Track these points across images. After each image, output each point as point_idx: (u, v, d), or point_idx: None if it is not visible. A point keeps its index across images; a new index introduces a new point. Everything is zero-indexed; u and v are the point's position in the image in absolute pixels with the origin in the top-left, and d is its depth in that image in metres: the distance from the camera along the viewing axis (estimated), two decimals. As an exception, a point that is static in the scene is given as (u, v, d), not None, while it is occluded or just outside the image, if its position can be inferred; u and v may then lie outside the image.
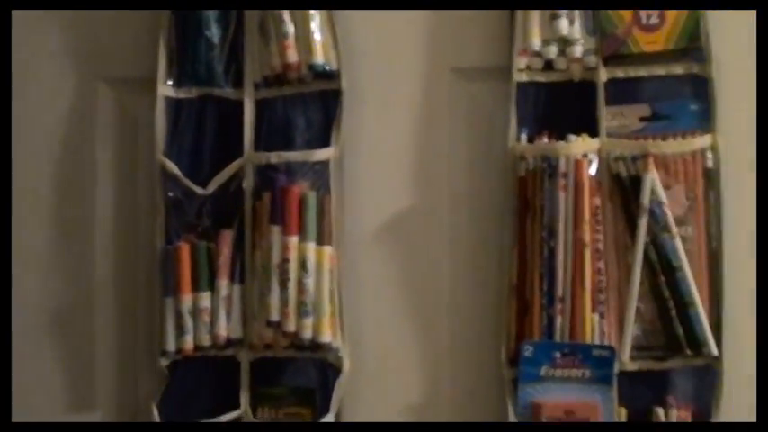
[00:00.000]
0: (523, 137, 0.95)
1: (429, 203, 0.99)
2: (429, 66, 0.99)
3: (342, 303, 0.97)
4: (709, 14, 0.93)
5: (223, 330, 0.98)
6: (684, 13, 0.93)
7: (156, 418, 0.98)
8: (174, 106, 1.00)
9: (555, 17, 0.93)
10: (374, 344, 0.99)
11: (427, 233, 0.99)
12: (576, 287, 0.92)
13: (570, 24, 0.93)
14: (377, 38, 1.00)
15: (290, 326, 0.95)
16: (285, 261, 0.95)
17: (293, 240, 0.95)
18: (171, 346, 0.98)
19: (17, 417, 1.00)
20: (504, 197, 0.96)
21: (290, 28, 0.96)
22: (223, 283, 0.98)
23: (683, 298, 0.92)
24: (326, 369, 0.98)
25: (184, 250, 0.98)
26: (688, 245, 0.93)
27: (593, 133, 0.94)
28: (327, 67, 0.97)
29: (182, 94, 1.01)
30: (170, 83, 1.00)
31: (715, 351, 0.92)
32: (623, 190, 0.93)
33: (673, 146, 0.93)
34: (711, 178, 0.93)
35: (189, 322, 0.98)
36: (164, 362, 0.99)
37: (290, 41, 0.96)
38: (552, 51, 0.94)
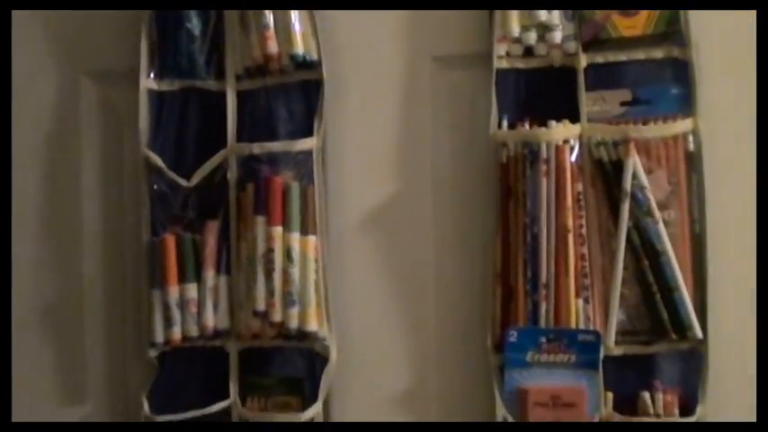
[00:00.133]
0: (505, 123, 0.93)
1: (413, 191, 0.97)
2: (410, 54, 0.97)
3: (327, 292, 0.95)
4: (689, -3, 0.92)
5: (210, 321, 0.96)
6: (664, -4, 0.91)
7: (146, 408, 0.97)
8: (157, 99, 0.99)
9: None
10: (361, 332, 0.97)
11: (412, 221, 0.97)
12: (559, 273, 0.90)
13: (549, 10, 0.92)
14: (358, 27, 0.98)
15: (277, 316, 0.93)
16: (270, 251, 0.93)
17: (277, 231, 0.94)
18: (159, 337, 0.97)
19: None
20: (488, 184, 0.94)
21: (270, 19, 0.94)
22: (209, 275, 0.96)
23: (668, 282, 0.90)
24: (314, 358, 0.96)
25: (170, 242, 0.97)
26: (671, 229, 0.90)
27: (575, 119, 0.92)
28: (308, 58, 0.95)
29: (164, 87, 0.99)
30: (152, 76, 0.98)
31: (700, 334, 0.90)
32: (605, 175, 0.91)
33: (654, 130, 0.90)
34: (693, 162, 0.91)
35: (176, 314, 0.96)
36: (152, 353, 0.98)
37: (271, 32, 0.94)
38: (531, 37, 0.92)
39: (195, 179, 0.97)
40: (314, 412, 0.95)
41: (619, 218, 0.90)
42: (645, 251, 0.91)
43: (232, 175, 0.97)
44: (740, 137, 0.92)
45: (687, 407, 0.91)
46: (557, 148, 0.90)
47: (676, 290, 0.90)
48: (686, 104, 0.92)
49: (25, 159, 1.03)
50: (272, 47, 0.95)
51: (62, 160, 1.03)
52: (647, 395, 0.91)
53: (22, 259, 1.03)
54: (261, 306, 0.94)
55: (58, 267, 1.03)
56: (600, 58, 0.93)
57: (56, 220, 1.03)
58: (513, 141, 0.92)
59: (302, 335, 0.94)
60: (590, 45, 0.92)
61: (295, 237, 0.94)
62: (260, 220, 0.94)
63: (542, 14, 0.91)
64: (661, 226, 0.90)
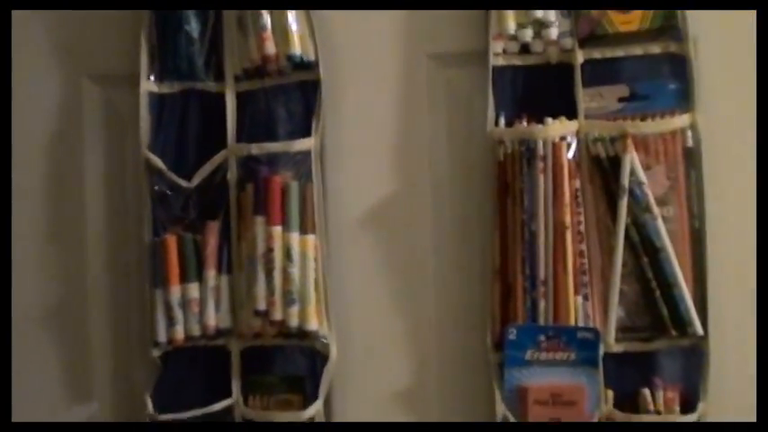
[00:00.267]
0: (502, 121, 0.91)
1: (412, 189, 0.95)
2: (407, 53, 0.95)
3: (327, 291, 0.93)
4: (686, -8, 0.90)
5: (212, 320, 0.95)
6: (660, -9, 0.89)
7: (150, 407, 0.96)
8: (158, 101, 0.98)
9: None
10: (361, 330, 0.96)
11: (411, 219, 0.95)
12: (558, 270, 0.88)
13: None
14: (354, 27, 0.96)
15: (277, 314, 0.92)
16: (270, 251, 0.92)
17: (277, 230, 0.92)
18: (162, 336, 0.95)
19: (15, 410, 0.98)
20: (486, 181, 0.92)
21: (267, 20, 0.93)
22: (211, 274, 0.95)
23: (667, 278, 0.88)
24: (314, 356, 0.94)
25: (171, 242, 0.95)
26: (670, 225, 0.88)
27: (572, 115, 0.90)
28: (305, 58, 0.93)
29: (164, 89, 0.98)
30: (152, 78, 0.97)
31: (700, 331, 0.88)
32: (603, 171, 0.89)
33: (651, 126, 0.88)
34: (692, 157, 0.89)
35: (179, 313, 0.95)
36: (155, 352, 0.96)
37: (268, 33, 0.93)
38: (528, 34, 0.90)
39: (196, 180, 0.96)
40: (315, 410, 0.93)
41: (617, 214, 0.89)
42: (644, 247, 0.88)
43: (232, 175, 0.95)
44: (739, 132, 0.90)
45: (688, 403, 0.89)
46: (553, 144, 0.88)
47: (676, 286, 0.88)
48: (684, 100, 0.89)
49: (29, 161, 1.02)
50: (270, 48, 0.93)
51: (65, 162, 1.02)
52: (647, 392, 0.89)
53: (27, 260, 1.01)
54: (261, 305, 0.92)
55: (63, 268, 1.01)
56: (597, 54, 0.90)
57: (60, 221, 1.02)
58: (510, 139, 0.89)
59: (302, 333, 0.93)
60: (586, 41, 0.90)
61: (294, 236, 0.92)
62: (259, 219, 0.93)
63: (538, 11, 0.89)
64: (660, 222, 0.88)
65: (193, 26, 0.96)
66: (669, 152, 0.89)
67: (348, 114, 0.96)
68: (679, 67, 0.90)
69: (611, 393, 0.90)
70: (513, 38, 0.91)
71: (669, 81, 0.90)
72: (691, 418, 0.88)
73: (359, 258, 0.96)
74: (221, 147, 0.96)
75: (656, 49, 0.90)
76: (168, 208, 0.97)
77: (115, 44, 1.00)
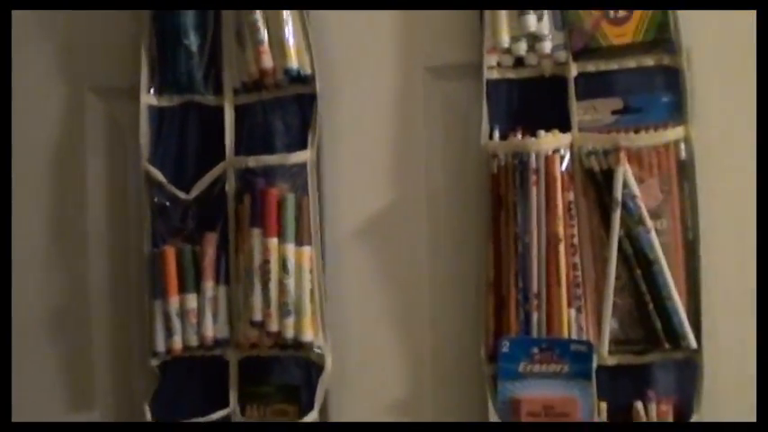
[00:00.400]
0: (496, 134, 0.90)
1: (408, 201, 0.95)
2: (403, 65, 0.95)
3: (323, 302, 0.93)
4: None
5: (210, 331, 0.95)
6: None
7: (149, 416, 0.96)
8: (157, 114, 0.98)
9: (523, 13, 0.88)
10: (357, 341, 0.95)
11: (406, 231, 0.95)
12: (551, 282, 0.87)
13: (538, 20, 0.88)
14: (351, 40, 0.96)
15: (273, 326, 0.92)
16: (266, 262, 0.92)
17: (273, 242, 0.92)
18: (161, 346, 0.95)
19: (17, 416, 0.98)
20: (481, 194, 0.91)
21: (265, 34, 0.93)
22: (209, 285, 0.95)
23: (660, 291, 0.86)
24: (310, 367, 0.94)
25: (170, 254, 0.95)
26: (664, 238, 0.87)
27: (566, 128, 0.89)
28: (302, 72, 0.93)
29: (164, 102, 0.98)
30: (152, 92, 0.97)
31: (694, 344, 0.86)
32: (596, 184, 0.88)
33: (644, 138, 0.87)
34: (685, 170, 0.87)
35: (177, 323, 0.95)
36: (154, 362, 0.96)
37: (265, 47, 0.93)
38: (522, 48, 0.89)
39: (194, 192, 0.96)
40: (310, 420, 0.92)
41: (610, 227, 0.87)
42: (637, 260, 0.87)
43: (230, 187, 0.95)
44: (734, 144, 0.88)
45: (682, 416, 0.87)
46: (546, 157, 0.87)
47: (669, 299, 0.86)
48: (678, 112, 0.88)
49: (33, 172, 1.03)
50: (267, 61, 0.93)
51: (68, 173, 1.02)
52: (640, 405, 0.88)
53: (31, 269, 1.02)
54: (258, 316, 0.92)
55: (65, 277, 1.02)
56: (591, 67, 0.89)
57: (64, 231, 1.03)
58: (504, 152, 0.88)
59: (298, 344, 0.92)
60: (580, 54, 0.89)
61: (290, 248, 0.92)
62: (256, 231, 0.92)
63: (532, 25, 0.88)
64: (653, 234, 0.87)
65: (192, 40, 0.96)
66: (663, 165, 0.88)
67: (345, 126, 0.96)
68: (672, 80, 0.88)
69: (604, 406, 0.88)
70: (508, 51, 0.90)
71: (663, 94, 0.89)
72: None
73: (355, 269, 0.96)
74: (220, 159, 0.96)
75: (649, 61, 0.89)
76: (167, 219, 0.97)
77: (117, 58, 1.01)
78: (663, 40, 0.88)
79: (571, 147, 0.89)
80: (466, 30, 0.93)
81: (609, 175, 0.88)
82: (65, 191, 1.03)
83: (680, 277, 0.87)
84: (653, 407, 0.87)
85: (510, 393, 0.89)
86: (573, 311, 0.88)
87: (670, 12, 0.87)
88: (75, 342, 1.02)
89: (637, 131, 0.88)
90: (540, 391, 0.89)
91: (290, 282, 0.92)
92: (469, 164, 0.93)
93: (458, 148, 0.94)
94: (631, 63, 0.89)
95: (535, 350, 0.88)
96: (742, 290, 0.88)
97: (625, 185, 0.87)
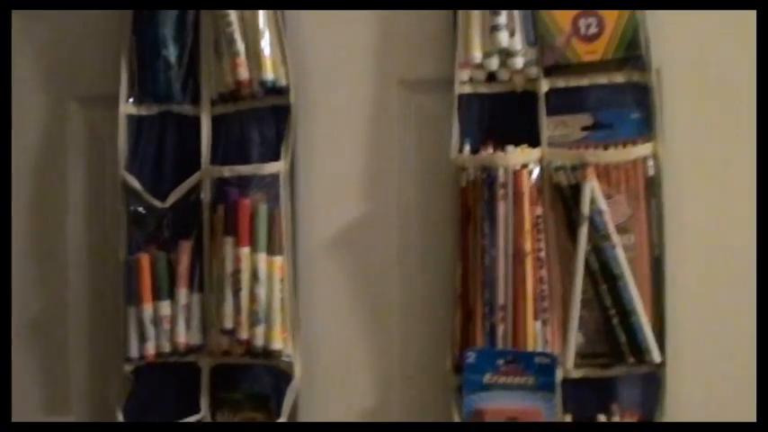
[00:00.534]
0: (467, 147, 0.90)
1: (380, 213, 0.95)
2: (378, 79, 0.95)
3: (293, 311, 0.93)
4: (649, 21, 0.87)
5: (182, 337, 0.95)
6: (623, 21, 0.88)
7: (122, 421, 0.97)
8: (136, 123, 0.98)
9: (495, 29, 0.88)
10: (328, 350, 0.95)
11: (379, 242, 0.95)
12: (517, 295, 0.87)
13: (510, 36, 0.88)
14: (327, 53, 0.96)
15: (243, 333, 0.92)
16: (237, 271, 0.92)
17: (245, 251, 0.92)
18: (134, 352, 0.96)
19: (-7, 419, 1.00)
20: (452, 207, 0.91)
21: (241, 46, 0.93)
22: (182, 292, 0.95)
23: (625, 306, 0.86)
24: (279, 375, 0.94)
25: (144, 261, 0.96)
26: (630, 253, 0.86)
27: (537, 143, 0.89)
28: (277, 84, 0.93)
29: (143, 112, 0.99)
30: (131, 101, 0.98)
31: (658, 358, 0.86)
32: (564, 199, 0.88)
33: (611, 155, 0.87)
34: (653, 186, 0.87)
35: (150, 330, 0.95)
36: (128, 368, 0.97)
37: (242, 59, 0.93)
38: (494, 63, 0.89)
39: (170, 200, 0.97)
40: (278, 428, 0.94)
41: (577, 242, 0.88)
42: (603, 275, 0.87)
43: (205, 196, 0.96)
44: (702, 160, 0.88)
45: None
46: (514, 172, 0.87)
47: (634, 314, 0.86)
48: (647, 129, 0.87)
49: (17, 177, 1.03)
50: (243, 73, 0.93)
51: (49, 180, 1.04)
52: (602, 418, 0.88)
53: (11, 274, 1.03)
54: (229, 324, 0.92)
55: (44, 283, 1.03)
56: (562, 83, 0.89)
57: (43, 238, 1.03)
58: (472, 166, 0.88)
59: (268, 352, 0.92)
60: (552, 70, 0.89)
61: (262, 257, 0.92)
62: (229, 240, 0.93)
63: (504, 41, 0.88)
64: (619, 250, 0.86)
65: (171, 51, 0.96)
66: (630, 181, 0.87)
67: (320, 138, 0.96)
68: (642, 97, 0.88)
69: (569, 418, 0.88)
70: (480, 66, 0.90)
71: (632, 110, 0.88)
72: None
73: (327, 279, 0.96)
74: (197, 168, 0.97)
75: (619, 78, 0.88)
76: (143, 227, 0.97)
77: (99, 68, 1.02)
78: (633, 57, 0.88)
79: (540, 162, 0.89)
80: (440, 44, 0.93)
81: (577, 190, 0.88)
82: (46, 197, 1.04)
83: (646, 292, 0.87)
84: (616, 420, 0.88)
85: (475, 404, 0.89)
86: (539, 324, 0.88)
87: (640, 29, 0.87)
88: (52, 346, 1.03)
89: (606, 147, 0.88)
90: (504, 403, 0.88)
91: (261, 291, 0.92)
92: (441, 177, 0.93)
93: (430, 161, 0.94)
94: (602, 79, 0.89)
95: (500, 362, 0.88)
96: (707, 305, 0.88)
97: (592, 201, 0.87)
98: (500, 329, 0.88)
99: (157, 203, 0.97)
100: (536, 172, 0.89)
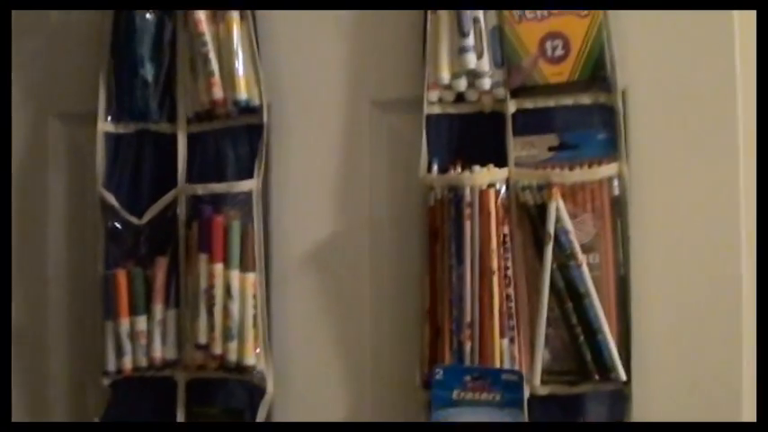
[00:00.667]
0: (435, 167, 0.91)
1: (352, 231, 0.96)
2: (350, 99, 0.96)
3: (266, 327, 0.94)
4: (615, 42, 0.88)
5: (158, 352, 0.96)
6: (589, 43, 0.88)
7: (99, 434, 0.99)
8: (114, 141, 1.00)
9: (463, 51, 0.89)
10: (301, 365, 0.96)
11: (350, 259, 0.96)
12: (484, 313, 0.88)
13: (478, 58, 0.89)
14: (301, 73, 0.97)
15: (217, 349, 0.93)
16: (211, 287, 0.93)
17: (218, 268, 0.93)
18: (111, 366, 0.97)
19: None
20: (421, 225, 0.92)
21: (216, 66, 0.94)
22: (158, 308, 0.96)
23: (591, 324, 0.87)
24: (253, 390, 0.95)
25: (121, 276, 0.97)
26: (596, 272, 0.87)
27: (505, 162, 0.90)
28: (250, 103, 0.95)
29: (120, 130, 1.00)
30: (110, 119, 0.99)
31: (623, 376, 0.86)
32: (531, 218, 0.89)
33: (576, 175, 0.87)
34: (618, 206, 0.88)
35: (127, 344, 0.96)
36: (105, 381, 0.98)
37: (216, 79, 0.94)
38: (462, 84, 0.90)
39: (146, 217, 0.98)
40: (249, 444, 0.95)
41: (543, 260, 0.89)
42: (569, 293, 0.87)
43: (181, 213, 0.97)
44: (668, 181, 0.88)
45: (612, 448, 0.89)
46: (481, 192, 0.88)
47: (599, 332, 0.87)
48: (612, 149, 0.88)
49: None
50: (218, 93, 0.94)
51: (31, 195, 1.05)
52: (569, 435, 0.89)
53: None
54: (203, 339, 0.93)
55: (24, 297, 1.04)
56: (529, 104, 0.90)
57: (25, 253, 1.05)
58: (440, 185, 0.89)
59: (241, 368, 0.93)
60: (519, 91, 0.90)
61: (235, 274, 0.93)
62: (203, 257, 0.94)
63: (471, 62, 0.89)
64: (584, 269, 0.87)
65: (148, 70, 0.97)
66: (596, 200, 0.88)
67: (293, 157, 0.97)
68: (608, 118, 0.89)
69: (536, 435, 0.90)
70: (448, 87, 0.91)
71: (598, 131, 0.89)
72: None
73: (300, 296, 0.97)
74: (173, 185, 0.98)
75: (586, 99, 0.89)
76: (120, 243, 0.98)
77: (79, 86, 1.02)
78: (599, 78, 0.89)
79: (507, 181, 0.90)
80: (411, 66, 0.94)
81: (543, 209, 0.88)
82: (26, 212, 1.05)
83: (611, 311, 0.88)
84: (583, 438, 0.89)
85: (443, 420, 0.90)
86: (506, 341, 0.88)
87: (606, 51, 0.88)
88: (32, 359, 1.04)
89: (572, 168, 0.89)
90: (472, 419, 0.89)
91: (234, 307, 0.93)
92: (411, 195, 0.93)
93: (401, 180, 0.95)
94: (568, 101, 0.90)
95: (468, 378, 0.89)
96: (672, 324, 0.88)
97: (558, 220, 0.88)
98: (467, 346, 0.88)
99: (134, 220, 0.98)
100: (503, 191, 0.90)
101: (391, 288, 0.96)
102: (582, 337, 0.88)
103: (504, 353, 0.89)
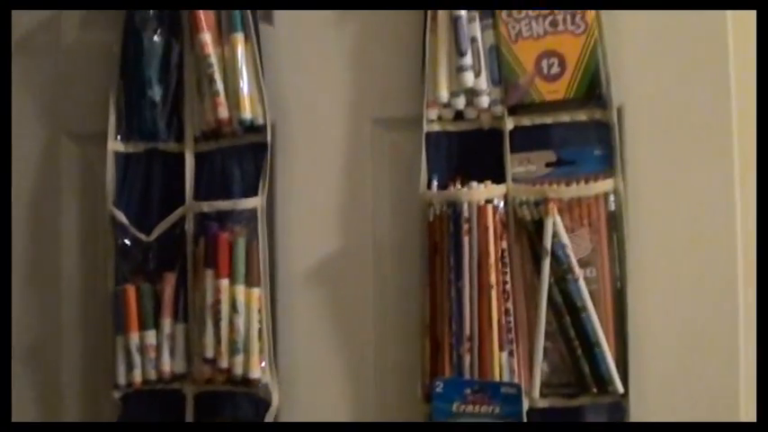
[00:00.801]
0: (435, 183, 0.93)
1: (355, 246, 0.97)
2: (352, 117, 0.98)
3: (271, 341, 0.96)
4: (610, 61, 0.89)
5: (167, 366, 0.98)
6: (584, 61, 0.89)
7: (111, 447, 1.01)
8: (124, 160, 1.01)
9: (461, 70, 0.91)
10: (305, 378, 0.98)
11: (354, 274, 0.97)
12: (483, 327, 0.89)
13: (476, 76, 0.90)
14: (304, 93, 0.99)
15: (224, 362, 0.94)
16: (217, 302, 0.95)
17: (224, 283, 0.95)
18: (122, 379, 0.98)
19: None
20: (421, 240, 0.93)
21: (221, 86, 0.96)
22: (167, 322, 0.98)
23: (589, 337, 0.88)
24: (259, 403, 0.96)
25: (131, 292, 0.99)
26: (593, 285, 0.88)
27: (503, 179, 0.91)
28: (255, 123, 0.96)
29: (130, 149, 1.02)
30: (119, 138, 1.01)
31: (620, 389, 0.87)
32: (528, 233, 0.90)
33: (572, 190, 0.89)
34: (614, 221, 0.89)
35: (137, 358, 0.98)
36: (116, 394, 0.99)
37: (221, 99, 0.96)
38: (460, 102, 0.92)
39: (155, 234, 1.00)
40: (256, 455, 0.96)
41: (541, 275, 0.90)
42: (566, 307, 0.88)
43: (189, 230, 0.99)
44: (664, 195, 0.90)
45: (610, 459, 0.89)
46: (478, 207, 0.90)
47: (597, 345, 0.88)
48: (608, 165, 0.89)
49: (12, 210, 1.06)
50: (223, 112, 0.96)
51: (44, 212, 1.07)
52: (566, 447, 0.90)
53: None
54: (210, 353, 0.95)
55: (39, 313, 1.06)
56: (526, 121, 0.91)
57: (39, 268, 1.07)
58: (438, 201, 0.91)
59: (247, 381, 0.95)
60: (517, 108, 0.91)
61: (240, 289, 0.95)
62: (209, 272, 0.95)
63: (469, 81, 0.90)
64: (581, 283, 0.88)
65: (156, 91, 0.99)
66: (593, 215, 0.89)
67: (297, 174, 0.99)
68: (604, 134, 0.90)
69: (536, 447, 0.91)
70: (447, 105, 0.93)
71: (594, 147, 0.90)
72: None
73: (304, 310, 0.98)
74: (181, 203, 1.00)
75: (582, 116, 0.90)
76: (130, 259, 1.00)
77: (90, 106, 1.05)
78: (594, 95, 0.90)
79: (506, 197, 0.91)
80: (411, 85, 0.95)
81: (540, 224, 0.90)
82: (40, 230, 1.07)
83: (608, 324, 0.89)
84: (581, 449, 0.90)
85: (444, 433, 0.91)
86: (505, 355, 0.90)
87: (601, 68, 0.90)
88: (46, 372, 1.06)
89: (568, 183, 0.90)
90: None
91: (240, 321, 0.95)
92: (412, 212, 0.95)
93: (402, 196, 0.96)
94: (565, 117, 0.91)
95: (468, 391, 0.90)
96: (669, 336, 0.89)
97: (555, 235, 0.89)
98: (467, 360, 0.90)
99: (143, 237, 1.00)
100: (501, 207, 0.91)
101: (394, 302, 0.97)
102: (580, 351, 0.89)
103: (503, 366, 0.90)
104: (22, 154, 1.08)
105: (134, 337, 0.99)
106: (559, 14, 0.91)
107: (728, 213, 0.89)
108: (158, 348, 0.99)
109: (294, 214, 0.99)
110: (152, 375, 0.99)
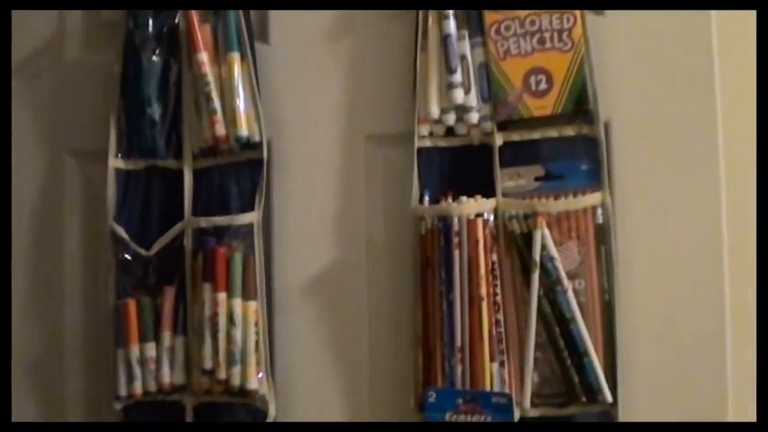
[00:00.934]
0: (426, 198, 0.94)
1: (349, 260, 0.99)
2: (346, 134, 1.00)
3: (267, 352, 0.97)
4: (597, 76, 0.91)
5: (167, 377, 0.99)
6: (571, 78, 0.91)
7: (113, 458, 1.03)
8: (124, 176, 1.03)
9: (451, 87, 0.92)
10: (301, 389, 0.99)
11: (348, 287, 0.99)
12: (474, 338, 0.90)
13: (466, 93, 0.92)
14: (299, 110, 1.01)
15: (222, 373, 0.96)
16: (215, 315, 0.96)
17: (222, 296, 0.97)
18: (123, 391, 1.00)
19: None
20: (414, 254, 0.95)
21: (218, 104, 0.98)
22: (166, 335, 0.99)
23: (578, 348, 0.89)
24: (257, 414, 0.98)
25: (131, 305, 1.00)
26: (582, 297, 0.90)
27: (493, 193, 0.93)
28: (251, 140, 0.98)
29: (130, 166, 1.03)
30: (120, 156, 1.03)
31: (609, 398, 0.88)
32: (518, 246, 0.92)
33: (561, 204, 0.90)
34: (602, 234, 0.91)
35: (137, 370, 0.99)
36: (117, 405, 1.01)
37: (218, 117, 0.98)
38: (451, 119, 0.93)
39: (154, 249, 1.01)
40: (254, 466, 0.97)
41: (530, 286, 0.92)
42: (556, 318, 0.90)
43: (188, 245, 1.01)
44: (651, 209, 0.91)
45: (600, 467, 0.91)
46: (469, 221, 0.91)
47: (586, 355, 0.89)
48: (596, 179, 0.91)
49: (15, 226, 1.09)
50: (220, 129, 0.98)
51: (47, 228, 1.09)
52: (556, 456, 0.91)
53: (12, 316, 1.08)
54: (208, 365, 0.97)
55: (42, 326, 1.08)
56: (515, 137, 0.93)
57: (42, 283, 1.09)
58: (430, 215, 0.92)
59: (244, 392, 0.96)
60: (506, 124, 0.93)
61: (237, 302, 0.96)
62: (207, 286, 0.97)
63: (459, 97, 0.92)
64: (570, 294, 0.90)
65: (155, 109, 1.01)
66: (581, 229, 0.91)
67: (293, 190, 1.01)
68: (592, 149, 0.91)
69: (527, 456, 0.92)
70: (438, 121, 0.94)
71: (582, 161, 0.92)
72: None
73: (300, 322, 1.00)
74: (180, 218, 1.02)
75: (570, 131, 0.92)
76: (130, 274, 1.02)
77: (92, 124, 1.07)
78: (581, 111, 0.92)
79: (495, 211, 0.93)
80: (403, 102, 0.97)
81: (529, 237, 0.91)
82: (42, 245, 1.09)
83: (597, 335, 0.90)
84: (571, 458, 0.91)
85: (437, 443, 0.93)
86: (495, 365, 0.91)
87: (588, 84, 0.91)
88: (49, 383, 1.08)
89: (557, 197, 0.92)
90: (465, 441, 0.92)
91: (237, 333, 0.96)
92: (405, 226, 0.96)
93: (395, 211, 0.98)
94: (553, 133, 0.93)
95: (460, 401, 0.91)
96: (657, 347, 0.90)
97: (544, 248, 0.91)
98: (458, 370, 0.91)
99: (143, 252, 1.02)
100: (491, 221, 0.93)
101: (388, 314, 0.99)
102: (569, 361, 0.90)
103: (494, 376, 0.91)
104: (26, 171, 1.10)
105: (134, 350, 1.01)
106: (547, 32, 0.92)
107: (714, 226, 0.91)
108: (158, 360, 1.00)
109: (290, 229, 1.01)
110: (152, 387, 1.00)
